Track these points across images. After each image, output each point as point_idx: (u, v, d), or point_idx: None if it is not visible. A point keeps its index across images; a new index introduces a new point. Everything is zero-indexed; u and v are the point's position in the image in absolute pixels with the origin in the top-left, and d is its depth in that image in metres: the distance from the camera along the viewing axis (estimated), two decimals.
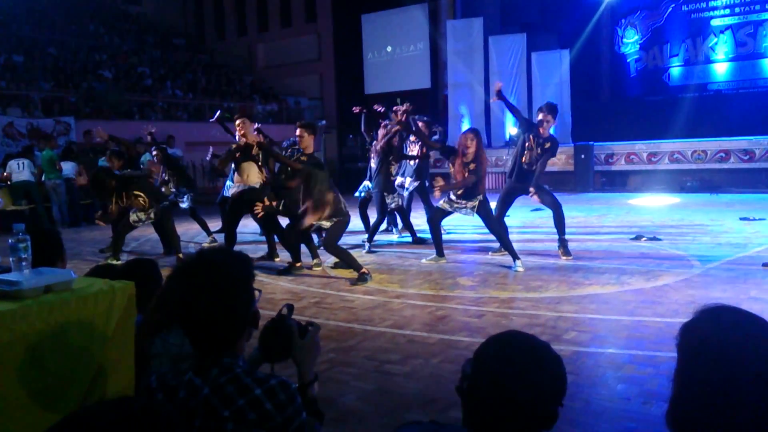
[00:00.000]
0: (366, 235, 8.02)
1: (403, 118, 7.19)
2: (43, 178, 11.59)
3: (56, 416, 0.91)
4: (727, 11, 16.68)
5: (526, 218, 10.14)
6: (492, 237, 6.94)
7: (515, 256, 6.45)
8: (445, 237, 8.01)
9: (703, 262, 6.50)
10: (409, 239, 8.43)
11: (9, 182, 11.47)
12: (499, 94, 6.95)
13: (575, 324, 4.54)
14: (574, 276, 6.08)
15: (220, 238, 7.95)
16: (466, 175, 6.47)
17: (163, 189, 8.39)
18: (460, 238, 8.73)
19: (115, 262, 6.74)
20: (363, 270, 6.13)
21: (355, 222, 7.41)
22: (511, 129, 17.33)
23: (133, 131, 14.67)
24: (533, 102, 16.88)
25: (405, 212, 8.46)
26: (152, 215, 7.41)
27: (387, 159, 7.75)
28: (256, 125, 7.94)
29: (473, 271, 6.63)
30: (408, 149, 8.53)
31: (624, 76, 18.54)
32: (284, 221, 7.19)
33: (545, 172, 7.15)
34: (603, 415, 3.06)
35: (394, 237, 8.91)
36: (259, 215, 6.51)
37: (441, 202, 6.89)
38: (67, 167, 11.90)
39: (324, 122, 20.69)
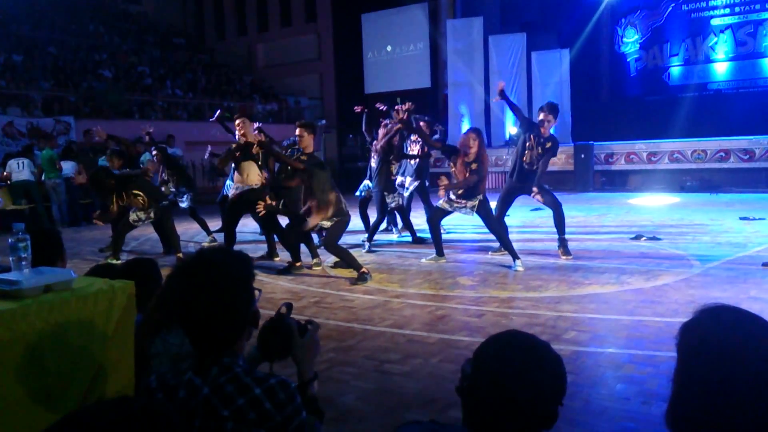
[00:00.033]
0: (365, 235, 8.02)
1: (405, 117, 7.20)
2: (42, 178, 11.59)
3: (56, 416, 0.91)
4: (727, 11, 16.68)
5: (526, 218, 10.14)
6: (492, 237, 6.94)
7: (515, 256, 6.46)
8: (445, 236, 8.01)
9: (702, 261, 6.50)
10: (409, 239, 8.43)
11: (9, 182, 11.47)
12: (502, 94, 6.94)
13: (575, 323, 4.54)
14: (573, 275, 6.08)
15: (220, 237, 7.95)
16: (468, 174, 6.48)
17: (162, 189, 8.39)
18: (460, 237, 8.73)
19: (114, 261, 6.74)
20: (363, 269, 6.13)
21: (355, 221, 7.42)
22: (511, 128, 17.33)
23: (133, 131, 14.67)
24: (533, 101, 16.88)
25: (405, 212, 8.46)
26: (152, 215, 7.41)
27: (387, 158, 7.75)
28: (257, 124, 7.94)
29: (473, 270, 6.63)
30: (408, 149, 8.53)
31: (624, 75, 18.53)
32: (283, 221, 7.19)
33: (546, 172, 7.15)
34: (602, 414, 3.07)
35: (393, 236, 8.91)
36: (261, 213, 6.51)
37: (441, 201, 6.89)
38: (67, 167, 11.90)
39: (324, 122, 20.69)
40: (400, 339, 4.34)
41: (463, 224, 9.14)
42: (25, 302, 1.74)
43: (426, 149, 8.32)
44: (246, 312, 1.53)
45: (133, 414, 0.85)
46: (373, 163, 8.08)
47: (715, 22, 16.89)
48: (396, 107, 7.86)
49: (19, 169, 11.40)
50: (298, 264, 6.75)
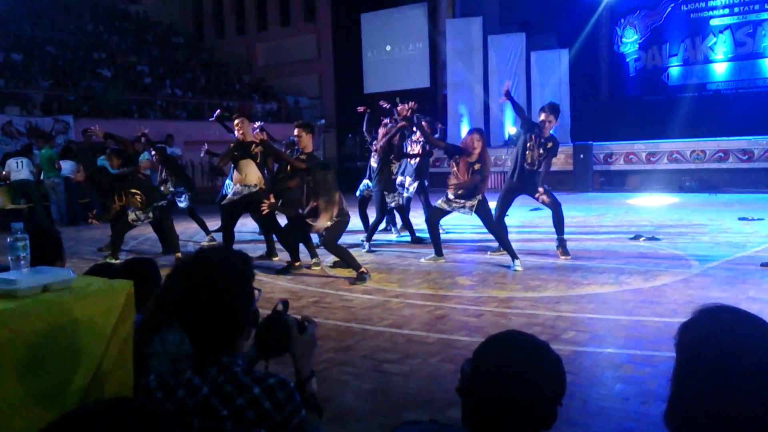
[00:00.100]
0: (364, 235, 8.02)
1: (409, 114, 7.20)
2: (41, 177, 11.58)
3: (55, 416, 0.91)
4: (726, 11, 16.68)
5: (525, 218, 10.14)
6: (491, 236, 6.95)
7: (514, 256, 6.46)
8: (444, 236, 8.02)
9: (701, 261, 6.51)
10: (408, 239, 8.43)
11: (8, 181, 11.46)
12: (508, 94, 6.94)
13: (574, 323, 4.54)
14: (572, 276, 6.08)
15: (219, 237, 7.94)
16: (471, 175, 6.50)
17: (161, 188, 8.39)
18: (459, 237, 8.73)
19: (113, 261, 6.74)
20: (362, 269, 6.13)
21: (355, 221, 7.42)
22: (510, 128, 17.33)
23: (132, 130, 14.66)
24: (532, 102, 16.89)
25: (405, 211, 8.46)
26: (150, 214, 7.41)
27: (388, 158, 7.74)
28: (258, 124, 7.94)
29: (472, 270, 6.63)
30: (409, 148, 8.53)
31: (623, 75, 18.53)
32: (282, 220, 7.19)
33: (549, 172, 7.16)
34: (601, 414, 3.07)
35: (392, 236, 8.91)
36: (265, 213, 6.52)
37: (439, 201, 6.90)
38: (66, 166, 11.89)
39: (323, 121, 20.69)
40: (399, 339, 4.34)
41: (462, 224, 9.14)
42: (24, 302, 1.74)
43: (428, 147, 8.33)
44: (245, 312, 1.53)
45: (132, 415, 0.85)
46: (373, 162, 8.08)
47: (714, 22, 16.89)
48: (399, 106, 7.87)
49: (18, 169, 11.39)
50: (297, 264, 6.76)
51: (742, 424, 1.10)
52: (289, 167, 6.83)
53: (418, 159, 8.52)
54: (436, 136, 8.53)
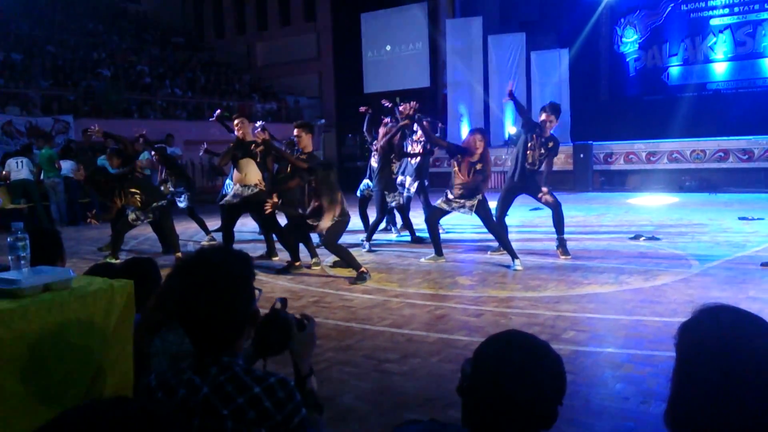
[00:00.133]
0: (365, 235, 8.02)
1: (411, 113, 7.22)
2: (41, 177, 11.58)
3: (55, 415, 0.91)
4: (726, 11, 16.68)
5: (525, 217, 10.14)
6: (491, 236, 6.95)
7: (514, 256, 6.46)
8: (444, 236, 8.03)
9: (701, 261, 6.51)
10: (408, 238, 8.43)
11: (8, 181, 11.46)
12: (511, 94, 6.95)
13: (574, 323, 4.54)
14: (572, 275, 6.08)
15: (220, 237, 7.94)
16: (473, 174, 6.52)
17: (161, 188, 8.39)
18: (459, 237, 8.73)
19: (113, 260, 6.74)
20: (362, 269, 6.13)
21: (355, 221, 7.42)
22: (510, 128, 17.32)
23: (132, 130, 14.66)
24: (532, 101, 16.88)
25: (405, 211, 8.46)
26: (151, 214, 7.41)
27: (389, 158, 7.74)
28: (260, 123, 7.95)
29: (472, 270, 6.63)
30: (410, 148, 8.53)
31: (623, 75, 18.53)
32: (282, 220, 7.19)
33: (551, 172, 7.17)
34: (601, 414, 3.07)
35: (392, 236, 8.91)
36: (267, 212, 6.53)
37: (439, 201, 6.91)
38: (66, 166, 11.89)
39: (323, 121, 20.68)
40: (400, 338, 4.34)
41: (462, 224, 9.14)
42: (24, 301, 1.74)
43: (429, 147, 8.33)
44: (246, 311, 1.53)
45: (130, 414, 0.84)
46: (374, 162, 8.09)
47: (714, 22, 16.89)
48: (401, 106, 7.88)
49: (18, 168, 11.39)
50: (297, 263, 6.76)
51: (742, 423, 1.10)
52: (289, 167, 6.84)
53: (418, 158, 8.52)
54: (437, 135, 8.53)
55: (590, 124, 16.93)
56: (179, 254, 7.23)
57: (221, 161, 7.40)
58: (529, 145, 6.89)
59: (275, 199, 6.46)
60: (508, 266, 6.48)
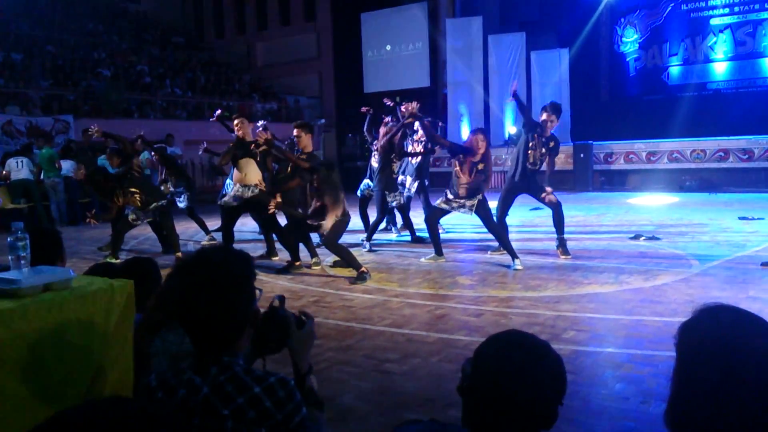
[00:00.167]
0: (365, 235, 8.02)
1: (415, 111, 7.24)
2: (42, 177, 11.58)
3: None
4: (727, 10, 16.68)
5: (525, 217, 10.14)
6: (491, 236, 6.95)
7: (514, 255, 6.46)
8: (444, 236, 8.03)
9: (701, 261, 6.51)
10: (408, 238, 8.43)
11: (8, 180, 11.46)
12: (515, 94, 6.97)
13: (574, 323, 4.54)
14: (573, 275, 6.08)
15: (220, 237, 7.95)
16: (475, 174, 6.54)
17: (162, 188, 8.39)
18: (459, 237, 8.73)
19: (113, 260, 6.74)
20: (362, 269, 6.14)
21: (355, 221, 7.42)
22: (510, 128, 17.32)
23: (132, 130, 14.64)
24: (532, 101, 16.88)
25: (406, 211, 8.47)
26: (150, 214, 7.41)
27: (389, 157, 7.74)
28: (262, 123, 7.97)
29: (472, 270, 6.63)
30: (411, 148, 8.53)
31: (623, 75, 18.54)
32: (282, 220, 7.19)
33: (544, 171, 7.18)
34: (601, 414, 3.07)
35: (392, 236, 8.91)
36: (270, 212, 6.55)
37: (439, 201, 6.92)
38: (66, 165, 11.89)
39: (323, 121, 20.68)
40: (400, 338, 4.34)
41: (462, 224, 9.15)
42: (24, 301, 1.74)
43: (430, 146, 8.34)
44: (246, 311, 1.52)
45: (127, 414, 0.84)
46: (374, 162, 8.10)
47: (714, 21, 16.89)
48: (403, 105, 7.90)
49: (18, 168, 11.39)
50: (297, 263, 6.76)
51: (742, 423, 1.10)
52: (289, 167, 6.84)
53: (419, 158, 8.53)
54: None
55: (590, 123, 16.93)
56: (179, 254, 7.24)
57: (221, 161, 7.41)
58: (531, 144, 6.90)
59: (278, 199, 6.47)
60: (508, 266, 6.48)
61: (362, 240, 7.92)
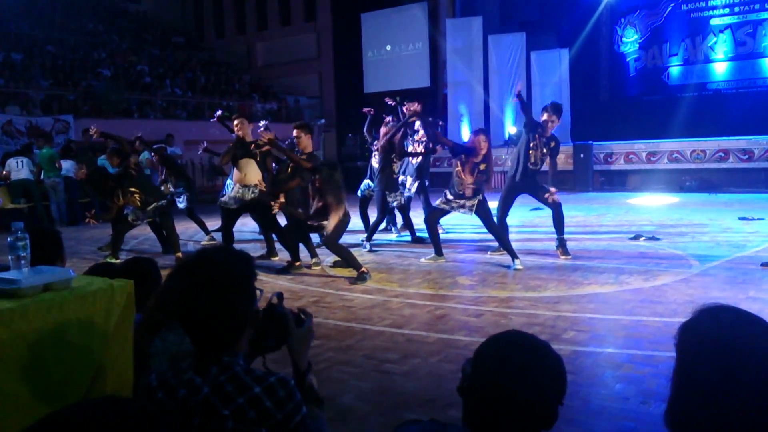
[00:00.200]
0: (365, 235, 8.02)
1: (419, 109, 7.25)
2: (42, 177, 11.58)
3: None
4: (727, 11, 16.68)
5: (525, 217, 10.14)
6: (491, 236, 6.95)
7: (514, 255, 6.47)
8: (444, 236, 8.03)
9: (701, 261, 6.51)
10: (408, 238, 8.43)
11: (8, 180, 11.46)
12: (520, 95, 6.98)
13: (574, 323, 4.54)
14: (572, 275, 6.08)
15: (220, 237, 7.95)
16: (477, 175, 6.56)
17: (162, 188, 8.39)
18: (459, 237, 8.73)
19: (113, 260, 6.74)
20: (362, 269, 6.14)
21: (355, 221, 7.42)
22: (510, 128, 17.32)
23: (132, 130, 14.64)
24: (532, 101, 16.87)
25: (407, 211, 8.47)
26: (150, 214, 7.41)
27: (389, 157, 7.74)
28: (264, 123, 7.99)
29: (472, 270, 6.63)
30: (411, 148, 8.53)
31: (623, 75, 18.53)
32: (281, 220, 7.20)
33: (544, 171, 7.18)
34: (601, 414, 3.07)
35: (392, 236, 8.91)
36: (274, 212, 6.58)
37: (438, 201, 6.92)
38: (66, 165, 11.89)
39: (323, 121, 20.68)
40: (400, 338, 4.34)
41: (462, 224, 9.15)
42: (25, 301, 1.74)
43: (431, 146, 8.35)
44: (246, 311, 1.52)
45: (121, 414, 0.83)
46: (375, 162, 8.10)
47: (714, 22, 16.89)
48: (405, 104, 7.93)
49: (18, 168, 11.39)
50: (297, 263, 6.76)
51: (742, 423, 1.10)
52: (289, 168, 6.85)
53: (419, 158, 8.53)
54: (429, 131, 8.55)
55: (590, 124, 16.93)
56: (179, 254, 7.24)
57: (222, 160, 7.44)
58: (532, 144, 6.91)
59: (281, 199, 6.49)
60: (508, 266, 6.48)
61: (362, 240, 7.92)
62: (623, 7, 18.25)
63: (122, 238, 7.72)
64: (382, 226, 8.51)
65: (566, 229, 7.13)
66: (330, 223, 6.16)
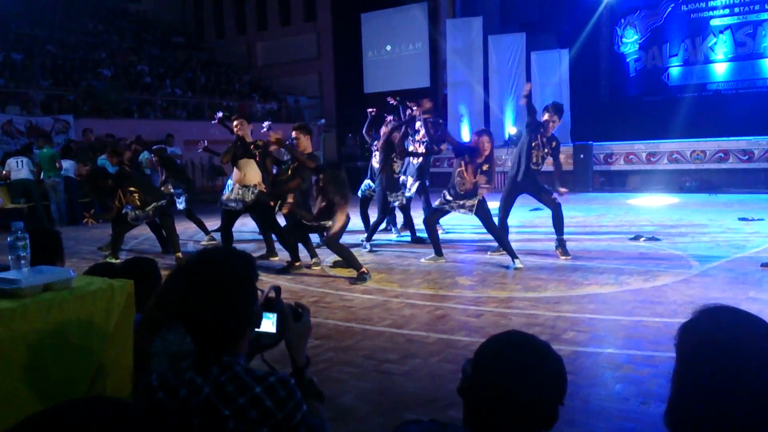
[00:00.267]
0: (365, 235, 8.02)
1: (431, 106, 7.27)
2: (41, 176, 11.58)
3: None
4: (727, 11, 16.68)
5: (525, 218, 10.14)
6: (491, 237, 6.95)
7: (513, 255, 6.47)
8: (444, 236, 8.03)
9: (701, 262, 6.51)
10: (409, 238, 8.43)
11: (8, 180, 11.46)
12: (528, 97, 7.00)
13: (574, 324, 4.54)
14: (572, 276, 6.08)
15: (219, 237, 7.95)
16: (479, 175, 6.56)
17: (162, 189, 8.40)
18: (459, 237, 8.73)
19: (113, 260, 6.74)
20: (362, 269, 6.14)
21: (355, 221, 7.42)
22: (511, 128, 17.31)
23: (132, 129, 14.68)
24: (533, 101, 16.85)
25: (407, 210, 8.47)
26: (150, 213, 7.41)
27: (389, 157, 7.74)
28: (267, 123, 8.02)
29: (472, 270, 6.63)
30: (411, 148, 8.53)
31: (623, 75, 18.53)
32: (281, 220, 7.20)
33: (544, 172, 7.20)
34: (601, 414, 3.07)
35: (393, 236, 8.91)
36: (284, 212, 6.61)
37: (438, 202, 6.93)
38: (66, 165, 11.89)
39: (323, 121, 20.68)
40: (399, 339, 4.34)
41: (462, 224, 9.15)
42: (24, 301, 1.74)
43: (433, 146, 8.37)
44: (247, 312, 1.53)
45: (103, 416, 0.83)
46: (375, 162, 8.10)
47: (714, 22, 16.89)
48: (410, 104, 7.97)
49: (18, 168, 11.39)
50: (297, 264, 6.76)
51: (742, 424, 1.09)
52: (289, 170, 6.87)
53: (420, 159, 8.53)
54: (439, 133, 8.56)
55: (590, 124, 16.93)
56: (179, 254, 7.25)
57: (223, 158, 7.48)
58: (534, 144, 6.92)
59: (290, 200, 6.51)
60: (507, 267, 6.48)
61: (362, 240, 7.92)
62: (623, 8, 18.25)
63: (122, 238, 7.72)
64: (382, 226, 8.50)
65: (566, 230, 7.13)
66: (336, 223, 6.18)
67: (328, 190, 6.19)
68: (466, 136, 17.00)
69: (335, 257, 6.75)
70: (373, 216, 8.06)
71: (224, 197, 7.36)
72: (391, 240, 8.73)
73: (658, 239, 7.89)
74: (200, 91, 20.37)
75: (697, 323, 1.18)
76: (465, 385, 1.30)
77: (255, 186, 7.18)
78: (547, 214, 7.66)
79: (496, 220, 6.91)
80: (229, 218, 7.36)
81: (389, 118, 8.24)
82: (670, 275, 5.97)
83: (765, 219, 9.29)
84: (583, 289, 5.58)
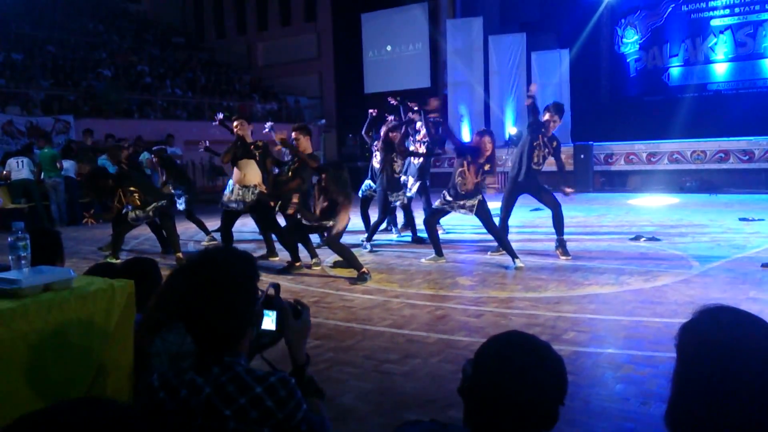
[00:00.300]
0: (365, 235, 8.02)
1: (438, 105, 7.29)
2: (42, 177, 11.58)
3: None
4: (727, 11, 16.68)
5: (525, 218, 10.14)
6: (491, 237, 6.95)
7: (514, 255, 6.47)
8: (444, 236, 8.03)
9: (702, 262, 6.50)
10: (409, 239, 8.44)
11: (8, 180, 11.46)
12: (533, 97, 7.01)
13: (574, 324, 4.54)
14: (573, 276, 6.08)
15: (220, 237, 7.96)
16: (481, 175, 6.57)
17: (163, 190, 8.41)
18: (460, 237, 8.73)
19: (114, 260, 6.74)
20: (363, 269, 6.14)
21: (355, 221, 7.42)
22: (511, 128, 17.31)
23: (132, 130, 14.68)
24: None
25: (409, 210, 8.48)
26: (150, 213, 7.42)
27: (389, 157, 7.75)
28: (269, 124, 8.03)
29: (472, 270, 6.63)
30: (412, 147, 8.53)
31: (624, 76, 18.53)
32: (281, 220, 7.20)
33: (544, 172, 7.20)
34: (601, 415, 3.07)
35: (393, 236, 8.91)
36: (290, 212, 6.62)
37: (438, 202, 6.93)
38: (67, 165, 11.90)
39: (323, 121, 20.68)
40: (400, 339, 4.34)
41: (462, 224, 9.15)
42: (25, 301, 1.74)
43: (434, 147, 8.38)
44: (248, 312, 1.53)
45: (93, 416, 0.83)
46: (375, 162, 8.10)
47: (714, 22, 16.89)
48: (410, 104, 7.98)
49: (19, 168, 11.39)
50: (297, 264, 6.77)
51: (742, 424, 1.09)
52: (290, 171, 6.88)
53: (421, 159, 8.54)
54: (441, 131, 8.57)
55: (591, 124, 16.92)
56: (180, 254, 7.25)
57: (224, 157, 7.51)
58: (535, 144, 6.93)
59: (295, 200, 6.52)
60: (507, 267, 6.48)
61: (362, 240, 7.92)
62: (624, 8, 18.25)
63: (122, 239, 7.72)
64: (383, 226, 8.51)
65: (566, 230, 7.13)
66: (339, 222, 6.18)
67: (331, 190, 6.19)
68: (466, 136, 16.99)
69: (335, 257, 6.75)
70: (374, 216, 8.06)
71: (225, 198, 7.38)
72: (391, 240, 8.73)
73: (658, 239, 7.89)
74: (200, 92, 20.37)
75: (697, 323, 1.18)
76: (465, 386, 1.30)
77: (255, 186, 7.19)
78: (547, 214, 7.66)
79: (496, 220, 6.91)
80: (229, 218, 7.38)
81: (390, 118, 8.25)
82: (671, 275, 5.97)
83: (765, 219, 9.28)
84: (584, 289, 5.58)
